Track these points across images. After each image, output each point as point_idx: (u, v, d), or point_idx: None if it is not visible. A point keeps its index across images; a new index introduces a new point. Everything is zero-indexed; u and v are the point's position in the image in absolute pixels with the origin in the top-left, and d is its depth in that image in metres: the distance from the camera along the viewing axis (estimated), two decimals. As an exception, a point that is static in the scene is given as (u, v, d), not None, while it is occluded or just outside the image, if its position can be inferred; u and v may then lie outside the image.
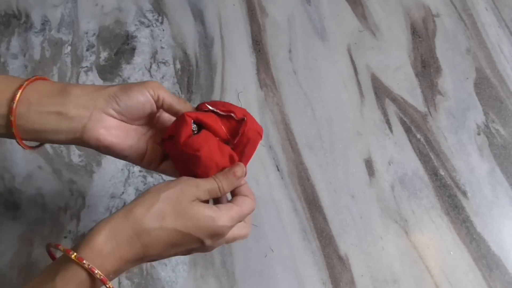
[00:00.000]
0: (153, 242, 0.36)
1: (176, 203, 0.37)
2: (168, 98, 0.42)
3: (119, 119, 0.42)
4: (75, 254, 0.34)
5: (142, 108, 0.42)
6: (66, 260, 0.34)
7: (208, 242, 0.38)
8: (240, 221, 0.41)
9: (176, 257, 0.57)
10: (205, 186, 0.39)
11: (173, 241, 0.37)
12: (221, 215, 0.38)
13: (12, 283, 0.55)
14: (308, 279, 0.56)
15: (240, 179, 0.42)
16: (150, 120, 0.45)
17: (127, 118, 0.42)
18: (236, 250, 0.57)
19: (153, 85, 0.42)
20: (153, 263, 0.56)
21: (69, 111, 0.39)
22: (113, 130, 0.41)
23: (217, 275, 0.56)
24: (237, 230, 0.42)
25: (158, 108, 0.43)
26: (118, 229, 0.35)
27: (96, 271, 0.34)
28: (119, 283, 0.55)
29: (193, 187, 0.38)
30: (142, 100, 0.41)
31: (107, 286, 0.34)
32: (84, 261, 0.33)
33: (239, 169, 0.41)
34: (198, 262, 0.56)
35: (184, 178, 0.40)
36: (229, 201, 0.42)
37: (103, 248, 0.34)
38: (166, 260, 0.57)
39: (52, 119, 0.39)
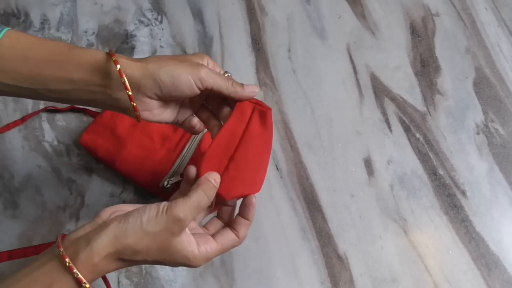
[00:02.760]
0: (135, 256, 0.38)
1: (163, 242, 0.38)
2: (217, 86, 0.41)
3: (160, 100, 0.42)
4: (68, 262, 0.35)
5: (184, 96, 0.41)
6: (56, 262, 0.36)
7: (188, 263, 0.40)
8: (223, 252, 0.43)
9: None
10: (190, 208, 0.39)
11: (150, 260, 0.39)
12: (197, 257, 0.40)
13: (11, 282, 0.55)
14: (307, 278, 0.56)
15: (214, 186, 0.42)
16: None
17: (168, 98, 0.42)
18: (235, 249, 0.57)
19: (202, 75, 0.40)
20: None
21: (113, 92, 0.39)
22: (155, 111, 0.42)
23: (216, 274, 0.56)
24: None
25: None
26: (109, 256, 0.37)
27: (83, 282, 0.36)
28: (118, 282, 0.55)
29: (180, 221, 0.38)
30: (188, 92, 0.40)
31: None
32: (75, 270, 0.35)
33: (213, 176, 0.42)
34: (197, 261, 0.57)
35: (171, 208, 0.38)
36: (215, 234, 0.43)
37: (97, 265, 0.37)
38: (165, 259, 0.57)
39: (100, 96, 0.40)
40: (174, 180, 0.59)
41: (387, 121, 0.66)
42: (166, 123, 0.45)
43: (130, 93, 0.39)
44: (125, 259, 0.38)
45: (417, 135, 0.65)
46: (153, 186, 0.59)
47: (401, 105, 0.68)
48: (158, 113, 0.42)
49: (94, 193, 0.61)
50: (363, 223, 0.59)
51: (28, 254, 0.55)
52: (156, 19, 0.75)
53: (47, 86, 0.39)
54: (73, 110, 0.66)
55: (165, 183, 0.59)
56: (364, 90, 0.69)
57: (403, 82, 0.70)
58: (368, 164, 0.63)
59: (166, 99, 0.42)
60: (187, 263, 0.40)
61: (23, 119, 0.65)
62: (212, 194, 0.41)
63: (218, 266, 0.56)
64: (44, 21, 0.74)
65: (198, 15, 0.76)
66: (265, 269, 0.56)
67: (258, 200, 0.61)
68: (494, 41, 0.73)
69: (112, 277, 0.55)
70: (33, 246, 0.55)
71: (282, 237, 0.59)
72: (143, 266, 0.56)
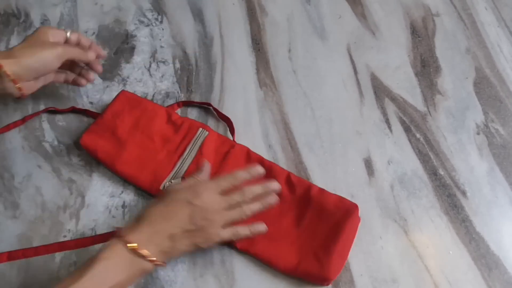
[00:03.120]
0: (150, 217, 0.49)
1: (162, 194, 0.52)
2: (73, 56, 0.58)
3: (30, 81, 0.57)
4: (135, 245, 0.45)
5: (52, 71, 0.59)
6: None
7: (194, 200, 0.49)
8: (219, 183, 0.52)
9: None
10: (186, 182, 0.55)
11: (164, 214, 0.49)
12: (192, 181, 0.53)
13: (12, 282, 0.55)
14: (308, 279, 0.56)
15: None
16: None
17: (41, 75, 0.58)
18: (235, 249, 0.57)
19: (60, 53, 0.56)
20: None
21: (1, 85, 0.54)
22: (32, 84, 0.57)
23: (216, 275, 0.56)
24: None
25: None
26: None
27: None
28: (119, 282, 0.55)
29: (176, 185, 0.55)
30: (54, 68, 0.57)
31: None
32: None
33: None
34: (198, 262, 0.57)
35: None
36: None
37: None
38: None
39: None
40: (175, 182, 0.59)
41: (387, 121, 0.66)
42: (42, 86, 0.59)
43: (18, 85, 0.54)
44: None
45: (417, 135, 0.65)
46: (154, 188, 0.59)
47: (401, 105, 0.68)
48: (35, 85, 0.58)
49: (95, 193, 0.61)
50: (363, 223, 0.59)
51: (28, 254, 0.55)
52: (156, 19, 0.75)
53: None
54: (73, 111, 0.66)
55: (166, 185, 0.59)
56: (364, 90, 0.69)
57: (404, 82, 0.70)
58: (368, 164, 0.63)
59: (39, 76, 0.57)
60: (188, 184, 0.53)
61: (23, 120, 0.64)
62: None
63: (218, 266, 0.56)
64: (44, 21, 0.74)
65: (198, 15, 0.76)
66: (265, 270, 0.56)
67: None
68: (494, 41, 0.73)
69: (112, 277, 0.55)
70: (33, 248, 0.56)
71: (283, 237, 0.59)
72: (144, 266, 0.56)
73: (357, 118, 0.67)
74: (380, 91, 0.69)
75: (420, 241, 0.58)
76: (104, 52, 0.64)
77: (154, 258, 0.46)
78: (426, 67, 0.71)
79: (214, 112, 0.66)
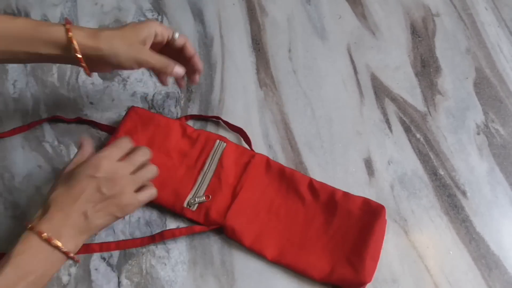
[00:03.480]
0: (55, 201, 0.45)
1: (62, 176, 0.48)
2: (153, 67, 0.54)
3: None
4: (44, 234, 0.43)
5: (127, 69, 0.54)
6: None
7: (96, 173, 0.46)
8: (113, 150, 0.49)
9: (176, 256, 0.57)
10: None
11: (70, 193, 0.45)
12: (92, 156, 0.48)
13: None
14: (307, 279, 0.56)
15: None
16: None
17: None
18: (235, 249, 0.57)
19: (142, 60, 0.52)
20: (152, 262, 0.56)
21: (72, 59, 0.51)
22: (107, 68, 0.54)
23: (217, 275, 0.56)
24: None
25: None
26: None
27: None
28: (119, 282, 0.55)
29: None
30: (128, 69, 0.53)
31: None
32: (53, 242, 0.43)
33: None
34: (198, 262, 0.57)
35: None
36: None
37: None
38: (165, 260, 0.57)
39: (61, 61, 0.51)
40: (198, 200, 0.57)
41: (388, 121, 0.67)
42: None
43: (84, 64, 0.50)
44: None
45: (418, 135, 0.65)
46: (178, 207, 0.57)
47: (402, 105, 0.68)
48: (111, 68, 0.54)
49: (95, 194, 0.61)
50: (364, 223, 0.59)
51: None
52: (157, 19, 0.75)
53: (18, 58, 0.49)
54: (79, 122, 0.65)
55: (190, 202, 0.57)
56: (364, 90, 0.69)
57: (404, 83, 0.70)
58: (368, 164, 0.63)
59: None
60: (87, 160, 0.48)
61: (29, 125, 0.64)
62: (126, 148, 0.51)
63: (218, 267, 0.56)
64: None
65: (198, 16, 0.76)
66: (266, 269, 0.56)
67: (259, 200, 0.61)
68: (494, 41, 0.73)
69: (112, 277, 0.55)
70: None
71: (283, 237, 0.59)
72: (143, 266, 0.56)
73: (357, 118, 0.67)
74: (380, 91, 0.69)
75: (420, 241, 0.58)
76: (201, 67, 0.59)
77: (66, 250, 0.44)
78: (426, 67, 0.71)
79: (225, 125, 0.65)
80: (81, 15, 0.75)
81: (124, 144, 0.50)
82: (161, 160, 0.59)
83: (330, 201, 0.58)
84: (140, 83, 0.69)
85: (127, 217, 0.59)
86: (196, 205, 0.57)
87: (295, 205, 0.58)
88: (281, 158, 0.63)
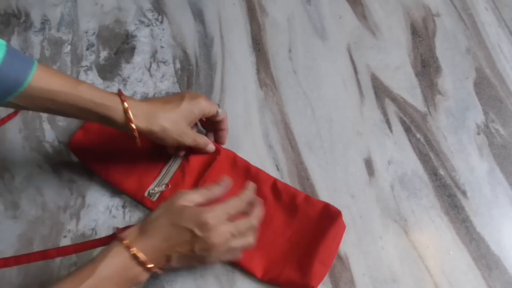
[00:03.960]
0: (153, 231, 0.47)
1: (170, 206, 0.49)
2: (194, 145, 0.59)
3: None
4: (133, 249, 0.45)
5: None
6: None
7: (198, 232, 0.46)
8: (227, 211, 0.49)
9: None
10: (198, 191, 0.51)
11: (165, 234, 0.46)
12: (204, 208, 0.48)
13: (12, 283, 0.55)
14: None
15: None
16: None
17: None
18: (235, 249, 0.57)
19: (186, 143, 0.57)
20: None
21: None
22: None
23: (217, 275, 0.56)
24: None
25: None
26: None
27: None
28: (119, 282, 0.55)
29: (187, 195, 0.50)
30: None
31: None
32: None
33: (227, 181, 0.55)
34: (198, 262, 0.57)
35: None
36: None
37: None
38: (165, 260, 0.57)
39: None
40: (158, 189, 0.59)
41: (388, 122, 0.66)
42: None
43: (138, 140, 0.53)
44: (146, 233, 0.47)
45: (418, 136, 0.65)
46: (139, 196, 0.59)
47: (402, 105, 0.68)
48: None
49: (95, 194, 0.61)
50: (364, 223, 0.59)
51: (21, 261, 0.51)
52: (157, 19, 0.75)
53: (69, 117, 0.51)
54: None
55: (151, 192, 0.58)
56: (364, 90, 0.69)
57: (404, 83, 0.70)
58: (368, 164, 0.63)
59: None
60: (196, 214, 0.47)
61: (16, 112, 0.64)
62: (218, 194, 0.53)
63: (218, 266, 0.56)
64: (45, 22, 0.74)
65: (198, 16, 0.76)
66: (266, 270, 0.56)
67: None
68: (494, 42, 0.73)
69: (112, 277, 0.55)
70: (26, 255, 0.51)
71: (283, 237, 0.59)
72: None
73: (358, 118, 0.67)
74: (381, 91, 0.69)
75: (421, 241, 0.58)
76: (225, 142, 0.64)
77: (152, 265, 0.45)
78: (426, 67, 0.71)
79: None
80: (81, 15, 0.75)
81: (238, 205, 0.51)
82: (129, 147, 0.59)
83: (291, 203, 0.58)
84: (140, 83, 0.69)
85: (127, 218, 0.59)
86: (157, 195, 0.58)
87: None
88: (281, 158, 0.63)
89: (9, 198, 0.60)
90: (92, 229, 0.59)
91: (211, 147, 0.60)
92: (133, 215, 0.59)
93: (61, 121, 0.66)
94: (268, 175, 0.60)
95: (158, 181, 0.59)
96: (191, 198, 0.49)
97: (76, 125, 0.65)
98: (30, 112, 0.66)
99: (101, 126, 0.59)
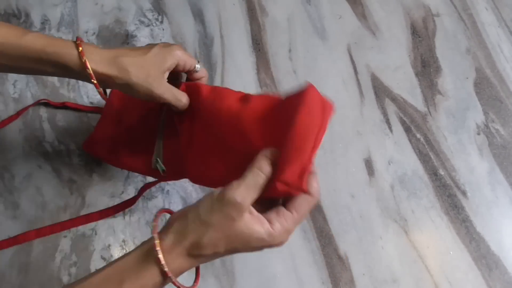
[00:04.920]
0: (205, 257, 0.38)
1: (225, 229, 0.36)
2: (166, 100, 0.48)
3: None
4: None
5: None
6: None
7: (269, 247, 0.38)
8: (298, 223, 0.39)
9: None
10: (247, 189, 0.37)
11: (231, 249, 0.37)
12: (274, 234, 0.37)
13: (12, 282, 0.55)
14: (307, 279, 0.56)
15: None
16: None
17: None
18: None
19: (157, 94, 0.46)
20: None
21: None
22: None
23: (217, 275, 0.56)
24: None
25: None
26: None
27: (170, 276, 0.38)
28: (119, 282, 0.55)
29: (236, 205, 0.36)
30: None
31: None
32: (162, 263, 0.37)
33: (267, 152, 0.39)
34: (198, 262, 0.57)
35: (224, 193, 0.37)
36: (286, 204, 0.38)
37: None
38: (165, 260, 0.57)
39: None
40: (157, 162, 0.54)
41: (388, 122, 0.66)
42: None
43: (100, 90, 0.46)
44: (196, 254, 0.37)
45: (418, 136, 0.65)
46: (150, 170, 0.55)
47: (402, 105, 0.68)
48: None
49: (95, 194, 0.61)
50: (364, 223, 0.59)
51: (30, 237, 0.57)
52: (157, 19, 0.75)
53: (20, 71, 0.46)
54: (66, 107, 0.66)
55: (154, 161, 0.54)
56: (364, 90, 0.69)
57: (404, 83, 0.70)
58: (368, 164, 0.63)
59: None
60: (267, 244, 0.37)
61: (18, 114, 0.64)
62: (268, 171, 0.38)
63: (218, 267, 0.56)
64: (45, 22, 0.74)
65: (198, 16, 0.76)
66: (266, 270, 0.56)
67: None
68: (494, 42, 0.73)
69: (112, 277, 0.55)
70: (59, 223, 0.58)
71: (283, 237, 0.59)
72: (144, 266, 0.56)
73: (358, 118, 0.67)
74: (381, 91, 0.69)
75: (421, 241, 0.58)
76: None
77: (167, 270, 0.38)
78: (426, 67, 0.71)
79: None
80: (81, 15, 0.75)
81: (307, 205, 0.39)
82: (132, 127, 0.57)
83: (264, 107, 0.45)
84: (140, 83, 0.69)
85: (127, 218, 0.59)
86: (159, 166, 0.54)
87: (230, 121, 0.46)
88: (281, 158, 0.63)
89: (9, 198, 0.60)
90: (92, 229, 0.59)
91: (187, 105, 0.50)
92: (133, 215, 0.59)
93: (61, 121, 0.66)
94: (235, 91, 0.49)
95: (156, 152, 0.55)
96: (246, 202, 0.36)
97: (76, 125, 0.65)
98: (30, 112, 0.66)
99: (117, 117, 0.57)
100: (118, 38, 0.73)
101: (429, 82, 0.70)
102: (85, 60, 0.43)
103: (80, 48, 0.43)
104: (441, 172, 0.63)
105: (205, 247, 0.37)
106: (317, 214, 0.60)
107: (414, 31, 0.74)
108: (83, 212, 0.60)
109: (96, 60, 0.44)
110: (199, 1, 0.77)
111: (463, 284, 0.56)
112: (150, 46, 0.47)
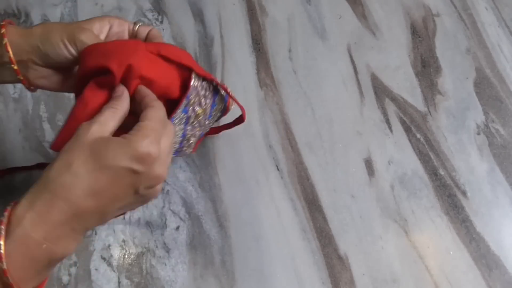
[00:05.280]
0: (70, 192, 0.32)
1: (81, 146, 0.32)
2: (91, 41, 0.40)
3: (49, 67, 0.42)
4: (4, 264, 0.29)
5: (63, 59, 0.41)
6: None
7: (140, 167, 0.33)
8: (161, 133, 0.35)
9: (176, 256, 0.57)
10: (103, 117, 0.35)
11: (94, 186, 0.32)
12: (133, 137, 0.33)
13: (12, 282, 0.55)
14: (307, 279, 0.56)
15: (121, 97, 0.37)
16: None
17: (52, 63, 0.41)
18: (235, 249, 0.57)
19: (81, 39, 0.40)
20: (152, 262, 0.56)
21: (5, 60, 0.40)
22: (52, 78, 0.43)
23: (217, 275, 0.56)
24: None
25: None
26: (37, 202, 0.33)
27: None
28: (119, 282, 0.55)
29: (92, 126, 0.33)
30: (63, 54, 0.40)
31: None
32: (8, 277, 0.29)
33: (118, 88, 0.38)
34: (198, 262, 0.57)
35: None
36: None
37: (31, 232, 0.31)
38: (165, 260, 0.57)
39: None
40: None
41: (388, 122, 0.66)
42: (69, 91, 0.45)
43: (16, 68, 0.40)
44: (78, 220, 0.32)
45: (418, 136, 0.65)
46: None
47: (402, 105, 0.68)
48: (56, 81, 0.43)
49: (95, 194, 0.61)
50: (364, 223, 0.59)
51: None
52: (157, 19, 0.75)
53: None
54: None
55: None
56: (364, 90, 0.69)
57: (404, 83, 0.70)
58: (368, 164, 0.63)
59: (52, 65, 0.41)
60: (130, 146, 0.33)
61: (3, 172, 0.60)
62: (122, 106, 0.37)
63: (218, 267, 0.56)
64: (45, 21, 0.74)
65: (198, 16, 0.76)
66: (266, 270, 0.56)
67: (259, 200, 0.61)
68: (494, 42, 0.73)
69: (112, 277, 0.55)
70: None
71: (283, 237, 0.59)
72: (143, 266, 0.56)
73: (358, 118, 0.67)
74: (381, 91, 0.69)
75: (421, 241, 0.58)
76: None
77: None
78: (426, 67, 0.71)
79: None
80: (81, 15, 0.75)
81: (159, 115, 0.37)
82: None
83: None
84: (140, 83, 0.69)
85: (127, 217, 0.59)
86: None
87: None
88: (281, 158, 0.63)
89: (9, 198, 0.60)
90: (92, 229, 0.59)
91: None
92: (133, 215, 0.59)
93: (61, 121, 0.66)
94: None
95: None
96: (105, 128, 0.34)
97: (76, 125, 0.65)
98: (30, 112, 0.66)
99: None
100: (118, 38, 0.73)
101: (429, 82, 0.70)
102: (3, 32, 0.38)
103: (3, 30, 0.38)
104: (441, 172, 0.63)
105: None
106: (317, 214, 0.60)
107: (414, 31, 0.74)
108: (83, 212, 0.59)
109: (13, 31, 0.39)
110: (199, 1, 0.77)
111: (463, 284, 0.56)
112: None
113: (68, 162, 0.32)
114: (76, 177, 0.32)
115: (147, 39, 0.45)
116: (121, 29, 0.44)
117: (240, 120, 0.58)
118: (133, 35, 0.45)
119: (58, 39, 0.39)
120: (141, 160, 0.33)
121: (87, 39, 0.40)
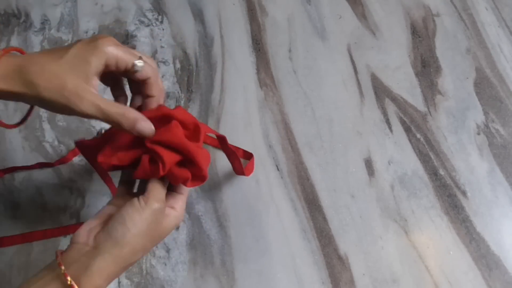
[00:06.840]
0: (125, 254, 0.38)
1: (155, 234, 0.41)
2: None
3: None
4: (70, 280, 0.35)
5: None
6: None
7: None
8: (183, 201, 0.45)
9: (176, 256, 0.57)
10: (162, 193, 0.42)
11: (139, 251, 0.39)
12: (178, 215, 0.43)
13: (12, 283, 0.55)
14: (307, 279, 0.56)
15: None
16: None
17: None
18: (235, 249, 0.57)
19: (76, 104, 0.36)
20: (152, 262, 0.56)
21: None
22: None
23: (217, 275, 0.56)
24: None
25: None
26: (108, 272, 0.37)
27: None
28: (119, 282, 0.55)
29: (161, 210, 0.41)
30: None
31: None
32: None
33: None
34: (198, 262, 0.57)
35: (150, 202, 0.40)
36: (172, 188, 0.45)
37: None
38: (165, 260, 0.57)
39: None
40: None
41: (388, 122, 0.66)
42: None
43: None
44: (125, 267, 0.39)
45: (418, 136, 0.65)
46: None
47: (402, 105, 0.68)
48: None
49: (95, 194, 0.61)
50: (364, 223, 0.59)
51: (36, 237, 0.57)
52: (157, 19, 0.75)
53: None
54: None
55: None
56: (364, 90, 0.69)
57: (404, 83, 0.70)
58: (368, 164, 0.63)
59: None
60: (174, 226, 0.43)
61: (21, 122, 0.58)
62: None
63: (218, 267, 0.56)
64: (45, 22, 0.74)
65: (198, 16, 0.76)
66: (266, 270, 0.56)
67: (259, 200, 0.61)
68: (494, 42, 0.73)
69: (112, 277, 0.55)
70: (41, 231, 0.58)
71: (283, 237, 0.59)
72: (143, 266, 0.56)
73: (358, 118, 0.67)
74: (381, 91, 0.69)
75: (421, 241, 0.58)
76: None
77: None
78: (426, 67, 0.71)
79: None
80: (81, 15, 0.75)
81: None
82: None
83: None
84: (140, 83, 0.69)
85: (127, 217, 0.59)
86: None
87: None
88: (281, 158, 0.63)
89: (8, 198, 0.60)
90: (92, 229, 0.59)
91: (144, 126, 0.38)
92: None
93: (61, 121, 0.66)
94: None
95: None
96: (164, 205, 0.42)
97: (76, 125, 0.65)
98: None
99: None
100: (118, 38, 0.73)
101: (429, 82, 0.70)
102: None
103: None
104: (441, 172, 0.63)
105: (137, 254, 0.39)
106: (317, 214, 0.60)
107: (414, 31, 0.74)
108: (83, 212, 0.60)
109: (3, 74, 0.34)
110: (199, 1, 0.77)
111: (463, 284, 0.56)
112: (70, 45, 0.37)
113: (137, 235, 0.39)
114: (138, 245, 0.40)
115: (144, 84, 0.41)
116: (118, 68, 0.39)
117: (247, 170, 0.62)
118: (131, 74, 0.40)
119: (59, 112, 0.38)
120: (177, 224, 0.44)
121: (90, 112, 0.36)
